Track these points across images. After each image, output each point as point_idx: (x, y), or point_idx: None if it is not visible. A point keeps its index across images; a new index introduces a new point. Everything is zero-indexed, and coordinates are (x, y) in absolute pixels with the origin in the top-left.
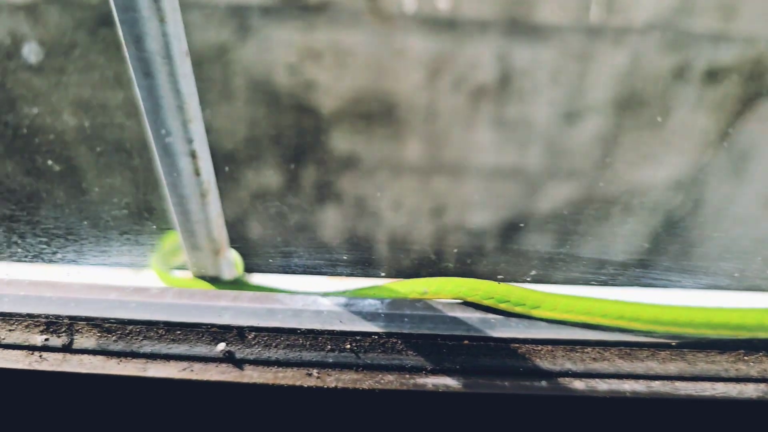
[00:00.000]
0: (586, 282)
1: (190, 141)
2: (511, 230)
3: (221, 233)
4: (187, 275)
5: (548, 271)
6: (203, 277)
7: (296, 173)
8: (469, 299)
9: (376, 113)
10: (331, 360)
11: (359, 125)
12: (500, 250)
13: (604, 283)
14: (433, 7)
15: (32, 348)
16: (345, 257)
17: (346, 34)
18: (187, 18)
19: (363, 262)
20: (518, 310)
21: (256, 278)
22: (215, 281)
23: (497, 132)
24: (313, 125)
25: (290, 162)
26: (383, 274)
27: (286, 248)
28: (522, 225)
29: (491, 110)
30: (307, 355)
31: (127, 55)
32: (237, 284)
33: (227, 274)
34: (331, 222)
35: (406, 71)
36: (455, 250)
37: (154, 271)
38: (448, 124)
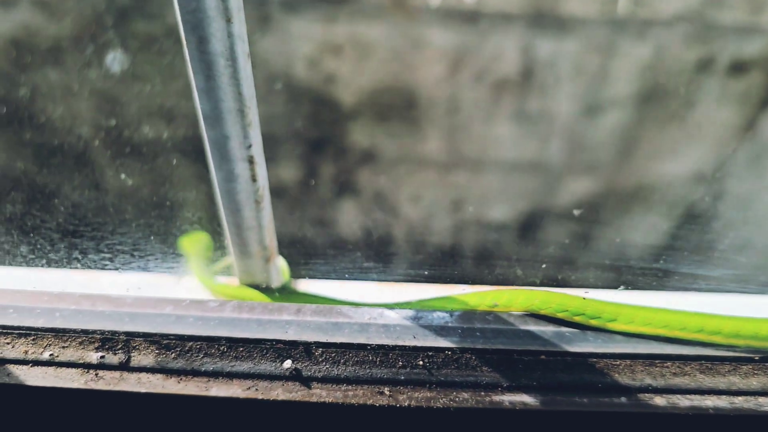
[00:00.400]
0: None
1: (248, 146)
2: (549, 222)
3: (272, 240)
4: (229, 281)
5: (568, 264)
6: (251, 285)
7: (315, 167)
8: (543, 312)
9: (397, 107)
10: (403, 377)
11: (379, 119)
12: (543, 245)
13: (629, 282)
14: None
15: (87, 366)
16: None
17: (367, 27)
18: None
19: (394, 261)
20: (594, 323)
21: (302, 284)
22: (263, 288)
23: (519, 125)
24: (333, 118)
25: (309, 156)
26: (425, 274)
27: (312, 248)
28: (577, 212)
29: (513, 103)
30: (378, 372)
31: (187, 56)
32: (285, 291)
33: (275, 282)
34: (349, 218)
35: (428, 64)
36: (492, 250)
37: (197, 278)
38: (470, 117)
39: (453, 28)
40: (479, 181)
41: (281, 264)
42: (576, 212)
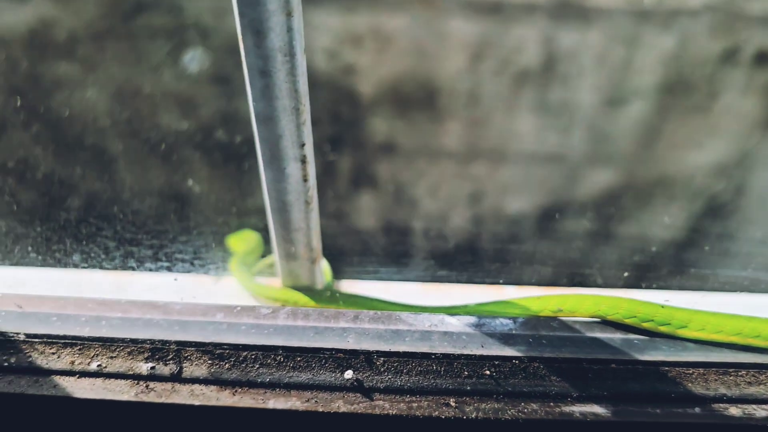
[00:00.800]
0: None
1: (302, 145)
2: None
3: (318, 242)
4: (271, 283)
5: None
6: (294, 287)
7: (334, 159)
8: (610, 318)
9: (418, 98)
10: (469, 387)
11: (400, 110)
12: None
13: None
14: None
15: (137, 377)
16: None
17: (388, 18)
18: (223, 1)
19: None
20: (663, 329)
21: (344, 285)
22: (307, 290)
23: (542, 117)
24: (352, 110)
25: (328, 148)
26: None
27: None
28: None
29: (536, 94)
30: (443, 383)
31: (242, 51)
32: (328, 293)
33: (319, 283)
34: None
35: (449, 55)
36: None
37: (237, 279)
38: (493, 108)
39: (474, 19)
40: (503, 173)
41: (324, 265)
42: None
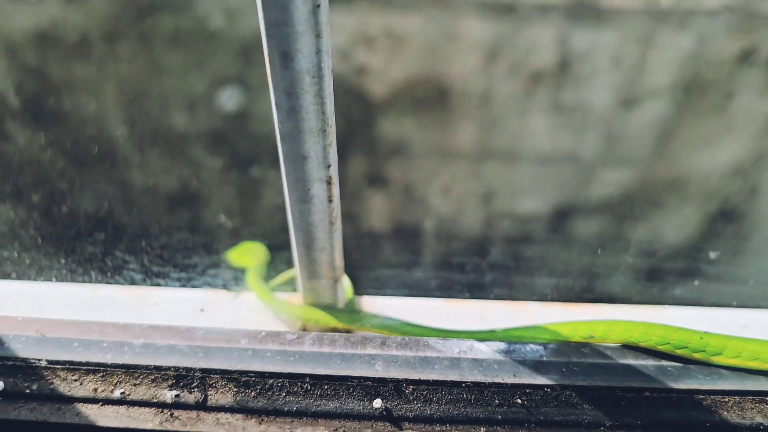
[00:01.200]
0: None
1: (328, 166)
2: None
3: (341, 260)
4: (291, 299)
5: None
6: (315, 304)
7: (347, 161)
8: (642, 344)
9: (431, 99)
10: (500, 416)
11: (412, 111)
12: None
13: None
14: None
15: (162, 405)
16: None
17: (401, 18)
18: (237, 3)
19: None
20: (697, 356)
21: (365, 302)
22: (328, 308)
23: (556, 117)
24: (364, 111)
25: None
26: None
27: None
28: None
29: (550, 95)
30: (473, 412)
31: (269, 72)
32: (350, 311)
33: (341, 301)
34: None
35: (462, 56)
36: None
37: (257, 295)
38: (504, 109)
39: (488, 19)
40: (515, 174)
41: (346, 282)
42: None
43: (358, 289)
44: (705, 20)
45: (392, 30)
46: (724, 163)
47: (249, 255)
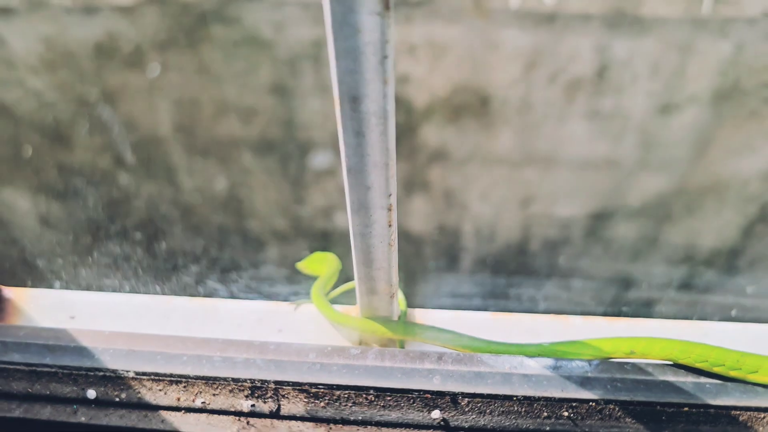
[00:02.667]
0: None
1: (389, 195)
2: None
3: (396, 278)
4: (349, 311)
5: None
6: (372, 317)
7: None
8: (681, 361)
9: (470, 108)
10: (548, 428)
11: (452, 119)
12: None
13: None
14: (538, 2)
15: (239, 414)
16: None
17: (443, 29)
18: (283, 14)
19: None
20: (734, 374)
21: (417, 314)
22: (384, 321)
23: (592, 124)
24: (406, 119)
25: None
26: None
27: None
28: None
29: (591, 103)
30: (523, 423)
31: (338, 112)
32: (403, 323)
33: (396, 315)
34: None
35: (502, 66)
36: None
37: (318, 307)
38: (543, 116)
39: (531, 28)
40: (554, 179)
41: (400, 296)
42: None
43: (411, 303)
44: (745, 27)
45: (434, 39)
46: (764, 168)
47: (321, 264)
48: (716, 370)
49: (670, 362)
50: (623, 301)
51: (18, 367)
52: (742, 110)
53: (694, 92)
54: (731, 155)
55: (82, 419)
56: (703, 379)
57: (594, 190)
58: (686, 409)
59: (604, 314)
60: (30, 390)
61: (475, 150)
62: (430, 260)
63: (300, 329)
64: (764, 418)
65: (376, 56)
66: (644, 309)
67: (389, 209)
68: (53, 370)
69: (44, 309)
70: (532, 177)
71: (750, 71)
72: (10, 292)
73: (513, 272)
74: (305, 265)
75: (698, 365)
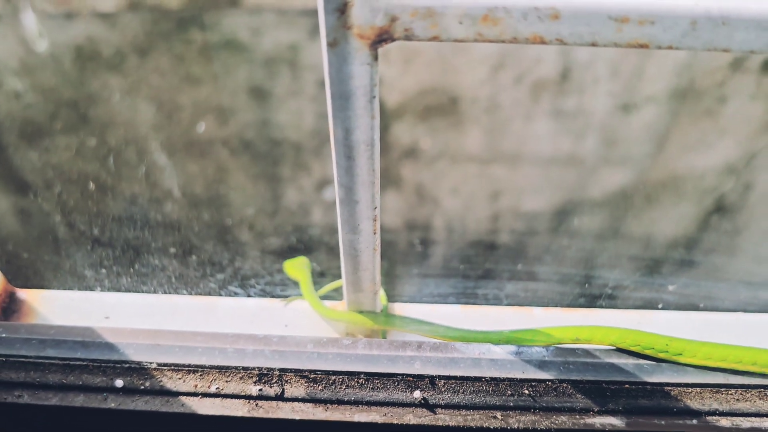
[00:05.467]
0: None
1: (375, 207)
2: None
3: (379, 277)
4: (336, 305)
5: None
6: (358, 311)
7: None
8: (620, 346)
9: (440, 107)
10: (512, 404)
11: (422, 119)
12: None
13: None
14: None
15: (249, 397)
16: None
17: None
18: (261, 20)
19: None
20: (662, 356)
21: (397, 308)
22: (367, 313)
23: (557, 122)
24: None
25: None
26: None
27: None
28: None
29: (551, 102)
30: (491, 400)
31: (332, 140)
32: (385, 315)
33: (378, 308)
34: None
35: (470, 68)
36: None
37: (310, 303)
38: (509, 115)
39: None
40: (521, 177)
41: (381, 292)
42: None
43: (391, 298)
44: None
45: (405, 43)
46: (718, 163)
47: (297, 269)
48: (648, 352)
49: (614, 347)
50: (583, 292)
51: (53, 361)
52: (698, 109)
53: (652, 92)
54: (687, 151)
55: (112, 405)
56: (641, 361)
57: (559, 185)
58: (627, 386)
59: (565, 305)
60: (64, 381)
61: (445, 148)
62: (403, 252)
63: (300, 324)
64: (691, 392)
65: (365, 97)
66: (602, 298)
67: (374, 219)
68: (84, 363)
69: (62, 310)
70: (500, 173)
71: (704, 72)
72: (24, 294)
73: (482, 261)
74: (287, 272)
75: (633, 349)
